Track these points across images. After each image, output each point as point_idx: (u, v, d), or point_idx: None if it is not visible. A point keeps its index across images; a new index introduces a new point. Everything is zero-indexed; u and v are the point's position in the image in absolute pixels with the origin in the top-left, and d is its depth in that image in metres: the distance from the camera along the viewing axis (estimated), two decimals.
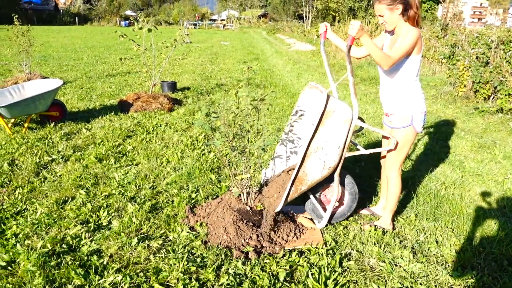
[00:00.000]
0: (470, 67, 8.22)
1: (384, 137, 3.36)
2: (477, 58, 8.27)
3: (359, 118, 3.08)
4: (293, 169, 3.20)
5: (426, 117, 3.25)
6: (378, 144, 5.27)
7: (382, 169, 3.54)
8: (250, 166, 3.22)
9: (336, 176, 3.11)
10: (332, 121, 2.93)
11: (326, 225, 3.25)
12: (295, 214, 3.40)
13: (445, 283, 2.63)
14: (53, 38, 25.66)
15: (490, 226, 3.31)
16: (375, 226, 3.24)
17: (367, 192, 3.92)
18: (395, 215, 3.42)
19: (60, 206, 3.50)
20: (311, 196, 3.23)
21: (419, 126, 3.02)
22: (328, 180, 3.17)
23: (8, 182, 3.97)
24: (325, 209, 3.25)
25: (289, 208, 3.47)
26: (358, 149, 3.26)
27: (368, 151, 3.15)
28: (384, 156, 3.39)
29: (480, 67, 7.90)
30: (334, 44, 3.27)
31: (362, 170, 4.48)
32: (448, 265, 2.82)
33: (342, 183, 3.24)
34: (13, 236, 3.01)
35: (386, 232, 3.19)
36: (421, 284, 2.61)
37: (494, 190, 4.11)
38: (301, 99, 3.40)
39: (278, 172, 3.43)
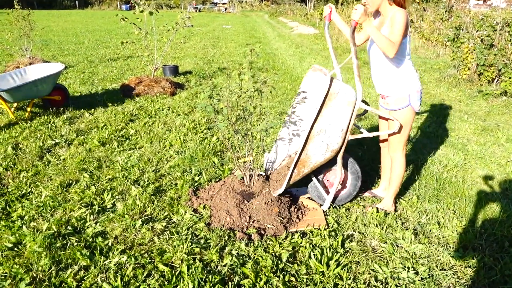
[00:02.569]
0: (474, 50, 8.14)
1: (381, 118, 3.35)
2: (481, 40, 8.18)
3: (363, 101, 3.07)
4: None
5: (423, 95, 3.23)
6: None
7: (381, 152, 3.54)
8: (253, 149, 3.23)
9: (339, 159, 3.11)
10: (336, 103, 2.91)
11: (329, 208, 3.27)
12: (298, 196, 3.42)
13: (447, 264, 2.65)
14: (53, 22, 25.47)
15: (492, 208, 3.33)
16: (377, 208, 3.26)
17: (370, 175, 3.93)
18: (397, 198, 3.43)
19: (64, 189, 3.53)
20: (314, 179, 3.24)
21: (416, 105, 3.00)
22: (330, 163, 3.18)
23: (12, 166, 3.99)
24: (327, 192, 3.27)
25: (293, 190, 3.50)
26: (361, 132, 3.26)
27: (371, 134, 3.15)
28: (384, 140, 3.39)
29: (485, 50, 7.82)
30: (337, 27, 3.23)
31: (364, 153, 4.48)
32: (450, 246, 2.84)
33: (345, 166, 3.25)
34: (18, 218, 3.05)
35: (388, 214, 3.21)
36: (422, 264, 2.64)
37: (496, 172, 4.11)
38: (305, 82, 3.38)
39: (281, 155, 3.44)
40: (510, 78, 6.98)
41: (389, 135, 3.16)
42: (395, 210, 3.32)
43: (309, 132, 2.90)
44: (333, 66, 3.27)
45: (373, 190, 3.62)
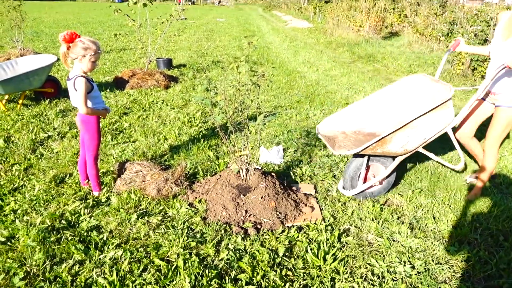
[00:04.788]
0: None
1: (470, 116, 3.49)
2: (475, 35, 8.20)
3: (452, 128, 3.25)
4: (373, 134, 3.51)
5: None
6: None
7: (463, 141, 3.60)
8: (249, 143, 3.21)
9: (398, 159, 3.26)
10: (439, 114, 3.05)
11: (354, 197, 3.38)
12: (296, 189, 3.41)
13: (442, 258, 2.66)
14: (44, 13, 25.10)
15: (487, 203, 3.35)
16: (476, 177, 3.58)
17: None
18: (393, 192, 3.44)
19: (57, 183, 3.49)
20: (364, 162, 3.27)
21: None
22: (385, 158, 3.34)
23: (4, 159, 3.93)
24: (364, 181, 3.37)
25: (293, 185, 3.49)
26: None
27: (436, 158, 3.42)
28: (465, 130, 3.52)
29: (479, 45, 7.84)
30: (469, 52, 3.58)
31: None
32: (445, 240, 2.85)
33: (395, 169, 3.37)
34: (11, 212, 3.01)
35: (384, 208, 3.22)
36: (418, 258, 2.64)
37: None
38: (409, 81, 3.65)
39: (358, 125, 3.63)
40: None
41: (489, 130, 3.28)
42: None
43: (408, 122, 3.00)
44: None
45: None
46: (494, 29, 8.05)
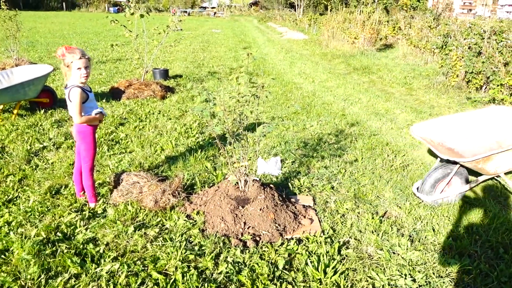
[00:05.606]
0: (462, 57, 8.24)
1: None
2: (469, 48, 8.29)
3: None
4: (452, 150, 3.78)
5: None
6: None
7: None
8: (247, 154, 3.19)
9: (482, 179, 3.50)
10: None
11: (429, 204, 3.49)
12: (294, 201, 3.38)
13: (443, 271, 2.64)
14: (40, 23, 25.12)
15: (486, 215, 3.34)
16: None
17: None
18: (392, 203, 3.42)
19: (53, 194, 3.44)
20: (453, 171, 3.40)
21: None
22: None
23: None
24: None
25: (291, 197, 3.47)
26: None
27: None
28: None
29: (473, 57, 7.93)
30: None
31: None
32: (446, 253, 2.83)
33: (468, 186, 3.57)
34: (5, 224, 2.95)
35: (383, 220, 3.20)
36: (419, 271, 2.62)
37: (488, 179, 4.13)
38: (494, 111, 3.96)
39: (458, 140, 3.87)
40: (498, 85, 7.08)
41: None
42: None
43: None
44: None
45: None
46: (488, 42, 8.14)
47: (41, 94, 5.79)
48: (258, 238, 2.88)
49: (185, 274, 2.46)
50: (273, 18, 40.08)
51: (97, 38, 17.13)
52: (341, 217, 3.26)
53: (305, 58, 13.12)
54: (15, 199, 3.36)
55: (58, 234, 2.83)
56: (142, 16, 6.88)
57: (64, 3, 56.12)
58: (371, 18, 14.90)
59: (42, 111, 5.73)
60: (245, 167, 3.17)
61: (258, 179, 3.36)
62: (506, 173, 3.50)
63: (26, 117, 5.55)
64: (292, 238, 2.92)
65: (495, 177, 3.80)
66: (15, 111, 5.44)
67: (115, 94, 6.92)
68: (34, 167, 3.99)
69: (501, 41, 7.87)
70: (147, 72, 7.62)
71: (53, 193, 3.45)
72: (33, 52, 12.03)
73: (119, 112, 5.95)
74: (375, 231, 3.06)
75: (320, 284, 2.45)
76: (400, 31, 15.26)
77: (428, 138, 3.69)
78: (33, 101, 5.79)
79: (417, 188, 3.60)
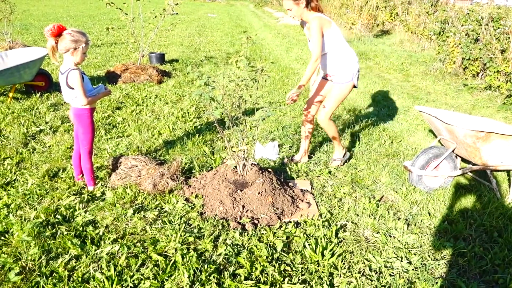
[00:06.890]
0: (460, 44, 8.23)
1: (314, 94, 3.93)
2: (467, 34, 8.28)
3: None
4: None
5: (360, 74, 4.01)
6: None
7: (307, 120, 3.95)
8: (245, 138, 3.20)
9: (474, 168, 3.47)
10: None
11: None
12: (292, 185, 3.41)
13: (438, 254, 2.69)
14: (33, 6, 24.70)
15: (480, 200, 3.38)
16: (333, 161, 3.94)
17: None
18: (388, 188, 3.46)
19: (51, 177, 3.44)
20: (447, 153, 3.45)
21: (356, 82, 3.74)
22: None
23: None
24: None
25: (289, 181, 3.49)
26: None
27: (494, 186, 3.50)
28: (312, 109, 3.92)
29: (470, 44, 7.92)
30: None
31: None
32: (441, 236, 2.88)
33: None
34: (4, 206, 2.96)
35: (380, 204, 3.23)
36: (415, 254, 2.66)
37: None
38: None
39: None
40: (494, 72, 7.09)
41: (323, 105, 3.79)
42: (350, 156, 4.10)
43: None
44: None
45: (294, 157, 4.04)
46: (485, 29, 8.13)
47: (37, 78, 5.74)
48: (256, 221, 2.91)
49: (184, 256, 2.48)
50: (270, 3, 39.63)
51: (92, 22, 16.89)
52: (338, 201, 3.30)
53: (302, 44, 13.04)
54: (13, 182, 3.35)
55: (58, 216, 2.84)
56: None
57: None
58: (368, 3, 14.79)
59: (38, 95, 5.69)
60: (244, 151, 3.18)
61: (256, 163, 3.38)
62: (492, 172, 3.48)
63: (22, 100, 5.51)
64: (290, 222, 2.96)
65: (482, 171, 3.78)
66: (10, 95, 5.39)
67: (111, 78, 6.87)
68: (31, 150, 3.98)
69: (499, 27, 7.86)
70: (143, 56, 7.56)
71: (51, 176, 3.45)
72: (26, 35, 11.86)
73: (116, 96, 5.92)
74: (372, 215, 3.10)
75: (317, 266, 2.49)
76: (397, 17, 15.17)
77: (433, 113, 3.67)
78: (29, 84, 5.74)
79: (411, 164, 3.58)
